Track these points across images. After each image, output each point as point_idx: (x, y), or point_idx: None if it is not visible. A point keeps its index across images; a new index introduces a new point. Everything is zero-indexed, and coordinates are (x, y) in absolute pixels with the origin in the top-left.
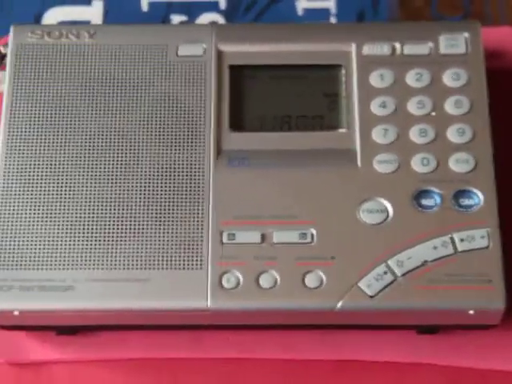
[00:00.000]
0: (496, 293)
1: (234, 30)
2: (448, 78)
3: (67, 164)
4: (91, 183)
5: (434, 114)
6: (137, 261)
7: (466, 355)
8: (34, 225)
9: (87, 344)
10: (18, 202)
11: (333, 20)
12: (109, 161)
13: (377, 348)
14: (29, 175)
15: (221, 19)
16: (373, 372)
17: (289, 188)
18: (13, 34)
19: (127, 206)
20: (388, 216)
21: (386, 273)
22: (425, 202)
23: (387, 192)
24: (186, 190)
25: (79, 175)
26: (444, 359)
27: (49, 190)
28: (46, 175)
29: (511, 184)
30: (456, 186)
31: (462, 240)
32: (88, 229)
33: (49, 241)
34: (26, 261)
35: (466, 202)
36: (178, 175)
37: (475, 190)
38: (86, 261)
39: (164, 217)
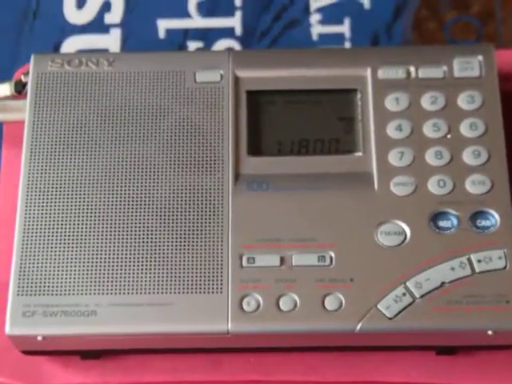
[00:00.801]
0: None
1: (250, 56)
2: (463, 101)
3: (88, 190)
4: (112, 209)
5: (449, 136)
6: (157, 285)
7: (485, 375)
8: (56, 250)
9: (109, 368)
10: (41, 228)
11: (347, 45)
12: (129, 186)
13: (396, 369)
14: (50, 201)
15: (236, 45)
16: None
17: (307, 211)
18: (33, 62)
19: (148, 231)
20: (406, 238)
21: (404, 294)
22: (442, 223)
23: (404, 214)
24: (206, 215)
25: (100, 201)
26: (463, 380)
27: (71, 216)
28: (68, 201)
29: None
30: (472, 208)
31: (479, 261)
32: (109, 254)
33: (71, 266)
34: (48, 286)
35: (482, 223)
36: (197, 200)
37: (492, 211)
38: (108, 286)
39: (184, 241)
